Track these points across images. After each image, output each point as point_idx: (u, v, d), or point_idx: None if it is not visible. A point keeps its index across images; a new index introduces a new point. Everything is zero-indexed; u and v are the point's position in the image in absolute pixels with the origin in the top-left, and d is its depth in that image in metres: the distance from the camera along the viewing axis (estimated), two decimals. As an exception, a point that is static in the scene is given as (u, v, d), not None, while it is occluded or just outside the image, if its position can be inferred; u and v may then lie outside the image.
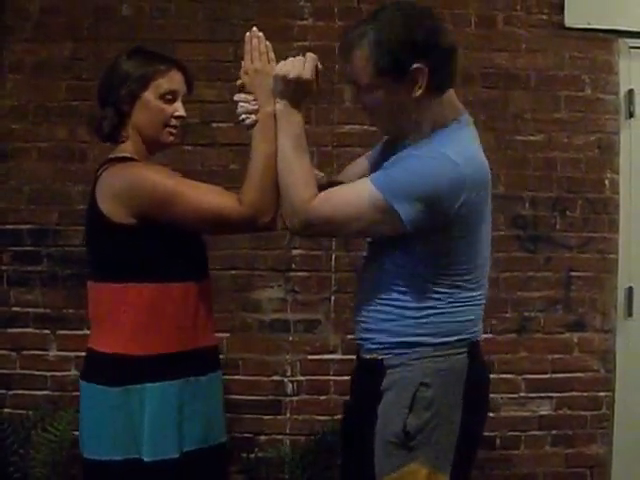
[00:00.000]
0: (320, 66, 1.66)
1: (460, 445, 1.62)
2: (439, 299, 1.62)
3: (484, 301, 1.71)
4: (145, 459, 1.68)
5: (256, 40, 1.68)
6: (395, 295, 1.64)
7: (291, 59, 1.64)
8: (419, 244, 1.59)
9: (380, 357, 1.67)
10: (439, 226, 1.55)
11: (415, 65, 1.52)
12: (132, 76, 1.74)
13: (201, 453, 1.75)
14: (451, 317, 1.63)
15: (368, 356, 1.71)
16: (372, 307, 1.69)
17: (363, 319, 1.72)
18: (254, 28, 1.70)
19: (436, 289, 1.62)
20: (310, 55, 1.64)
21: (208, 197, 1.67)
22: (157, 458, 1.68)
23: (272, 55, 1.69)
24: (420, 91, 1.55)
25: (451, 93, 1.63)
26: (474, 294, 1.66)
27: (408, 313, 1.63)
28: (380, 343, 1.67)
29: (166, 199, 1.65)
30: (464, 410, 1.62)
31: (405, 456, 1.59)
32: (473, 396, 1.64)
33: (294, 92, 1.64)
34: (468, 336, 1.66)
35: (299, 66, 1.62)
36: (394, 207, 1.52)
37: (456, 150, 1.54)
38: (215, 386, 1.84)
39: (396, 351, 1.64)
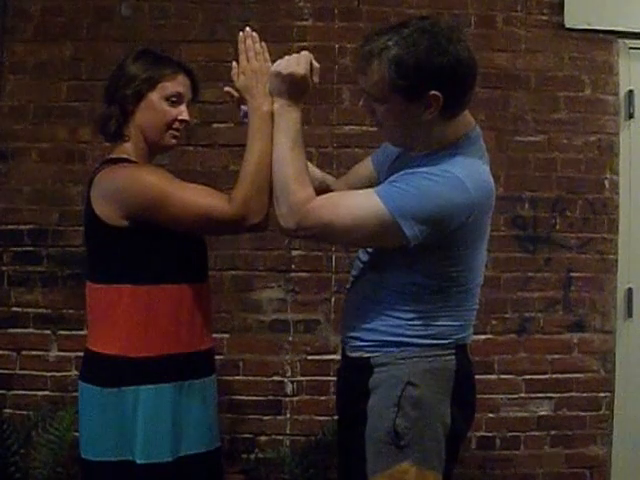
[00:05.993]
0: (316, 64, 1.65)
1: (447, 443, 1.63)
2: (432, 303, 1.62)
3: (476, 307, 1.71)
4: (138, 462, 1.67)
5: (250, 40, 1.69)
6: (385, 296, 1.65)
7: (286, 57, 1.65)
8: (417, 254, 1.57)
9: (367, 355, 1.66)
10: (440, 243, 1.56)
11: (431, 92, 1.50)
12: (140, 76, 1.75)
13: (196, 458, 1.74)
14: (441, 321, 1.63)
15: (354, 354, 1.71)
16: (362, 306, 1.69)
17: (352, 317, 1.72)
18: (247, 28, 1.70)
19: (430, 294, 1.62)
20: (304, 52, 1.65)
21: (196, 197, 1.67)
22: (150, 461, 1.67)
23: (267, 55, 1.69)
24: (430, 116, 1.54)
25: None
26: (467, 300, 1.67)
27: (398, 314, 1.63)
28: (367, 341, 1.67)
29: (155, 200, 1.65)
30: (452, 410, 1.63)
31: (396, 455, 1.59)
32: (460, 397, 1.65)
33: (289, 89, 1.63)
34: (456, 339, 1.66)
35: (293, 63, 1.62)
36: (399, 224, 1.50)
37: (467, 172, 1.53)
38: (210, 390, 1.82)
39: (383, 349, 1.64)
